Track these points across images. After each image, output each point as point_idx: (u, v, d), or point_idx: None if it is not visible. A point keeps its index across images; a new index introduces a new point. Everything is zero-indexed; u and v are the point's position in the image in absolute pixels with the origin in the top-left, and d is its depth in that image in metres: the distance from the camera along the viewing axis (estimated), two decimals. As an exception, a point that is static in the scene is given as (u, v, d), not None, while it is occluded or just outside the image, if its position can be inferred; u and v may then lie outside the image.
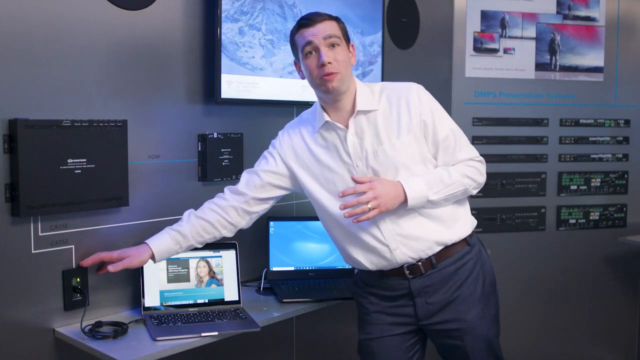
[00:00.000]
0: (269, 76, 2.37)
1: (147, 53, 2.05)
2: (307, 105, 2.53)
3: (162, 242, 1.90)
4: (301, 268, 2.45)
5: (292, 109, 2.57)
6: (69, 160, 1.84)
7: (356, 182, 1.76)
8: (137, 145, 2.03)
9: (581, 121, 3.37)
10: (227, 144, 2.28)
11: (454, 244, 1.86)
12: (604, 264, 3.45)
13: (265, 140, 2.45)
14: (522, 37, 3.23)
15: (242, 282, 2.20)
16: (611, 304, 3.47)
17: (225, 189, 2.00)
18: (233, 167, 2.31)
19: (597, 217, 3.42)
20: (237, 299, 2.13)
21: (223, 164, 2.27)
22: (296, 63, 1.91)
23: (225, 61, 2.20)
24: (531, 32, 3.27)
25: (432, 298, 1.86)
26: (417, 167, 1.82)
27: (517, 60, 3.23)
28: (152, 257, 1.89)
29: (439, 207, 1.83)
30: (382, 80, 2.77)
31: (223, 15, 2.18)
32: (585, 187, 3.36)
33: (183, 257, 2.09)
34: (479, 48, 3.19)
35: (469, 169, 1.85)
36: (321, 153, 1.89)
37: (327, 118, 1.86)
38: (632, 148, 3.45)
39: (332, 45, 1.79)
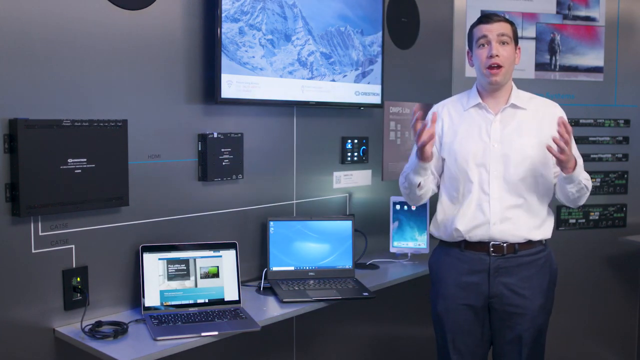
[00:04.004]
0: (269, 76, 2.37)
1: (147, 53, 2.05)
2: (307, 105, 2.54)
3: None
4: (301, 268, 2.45)
5: (292, 109, 2.56)
6: (69, 160, 1.84)
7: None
8: (137, 145, 2.03)
9: (581, 121, 3.37)
10: (227, 143, 2.28)
11: (535, 241, 2.15)
12: (604, 264, 3.45)
13: (266, 140, 2.47)
14: (522, 37, 3.22)
15: (242, 282, 2.21)
16: (611, 304, 3.47)
17: None
18: (233, 167, 2.31)
19: (597, 217, 3.42)
20: (237, 298, 2.14)
21: (223, 163, 2.27)
22: (468, 52, 2.24)
23: (225, 61, 2.20)
24: (531, 32, 3.27)
25: (505, 279, 2.12)
26: (539, 165, 2.12)
27: (517, 60, 3.23)
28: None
29: (573, 189, 2.07)
30: (382, 79, 2.78)
31: (223, 15, 2.18)
32: (585, 187, 3.35)
33: (183, 257, 2.10)
34: (479, 48, 3.19)
35: (589, 184, 2.14)
36: (463, 128, 2.20)
37: (480, 101, 2.19)
38: (632, 148, 3.45)
39: (503, 43, 2.11)
